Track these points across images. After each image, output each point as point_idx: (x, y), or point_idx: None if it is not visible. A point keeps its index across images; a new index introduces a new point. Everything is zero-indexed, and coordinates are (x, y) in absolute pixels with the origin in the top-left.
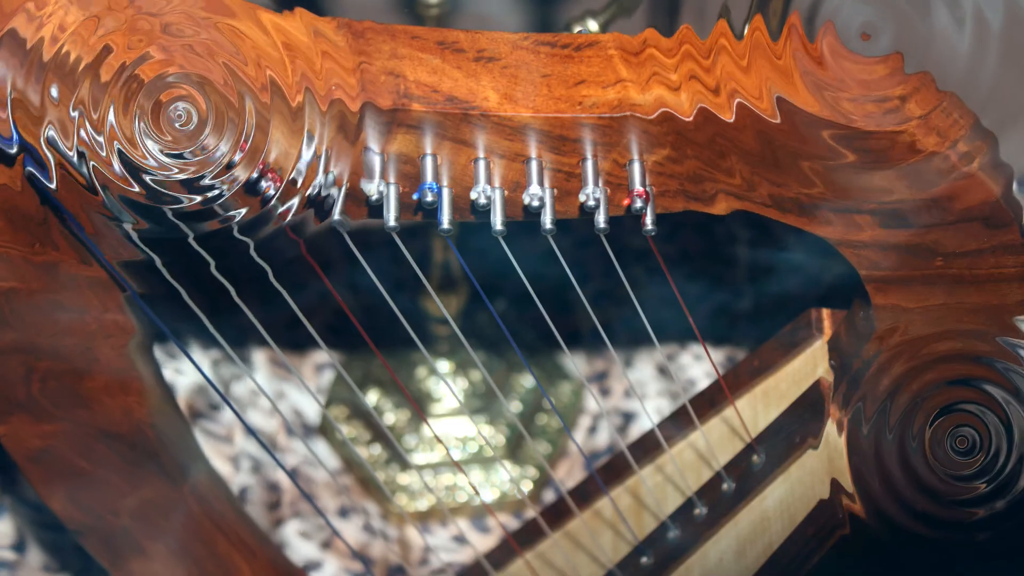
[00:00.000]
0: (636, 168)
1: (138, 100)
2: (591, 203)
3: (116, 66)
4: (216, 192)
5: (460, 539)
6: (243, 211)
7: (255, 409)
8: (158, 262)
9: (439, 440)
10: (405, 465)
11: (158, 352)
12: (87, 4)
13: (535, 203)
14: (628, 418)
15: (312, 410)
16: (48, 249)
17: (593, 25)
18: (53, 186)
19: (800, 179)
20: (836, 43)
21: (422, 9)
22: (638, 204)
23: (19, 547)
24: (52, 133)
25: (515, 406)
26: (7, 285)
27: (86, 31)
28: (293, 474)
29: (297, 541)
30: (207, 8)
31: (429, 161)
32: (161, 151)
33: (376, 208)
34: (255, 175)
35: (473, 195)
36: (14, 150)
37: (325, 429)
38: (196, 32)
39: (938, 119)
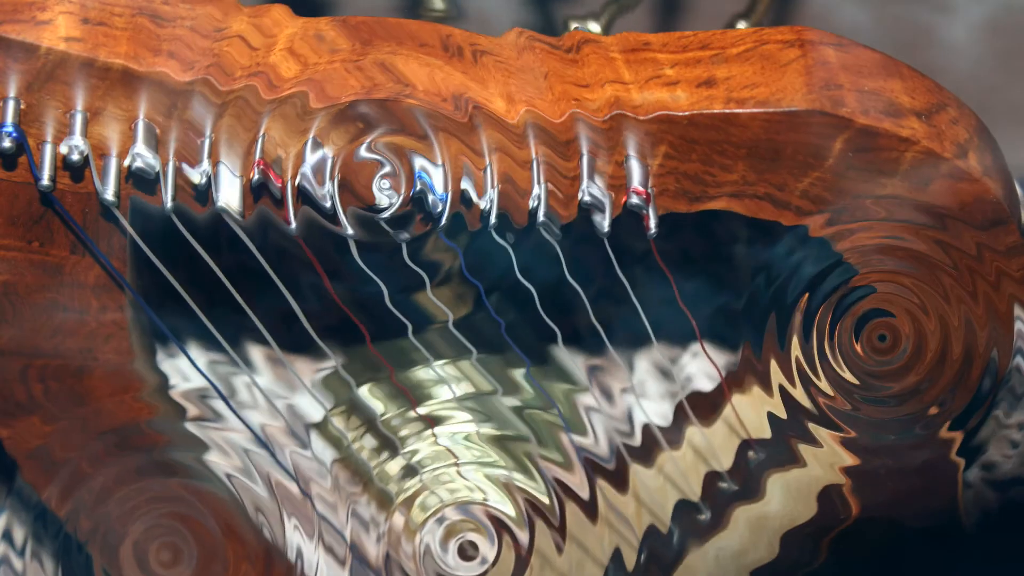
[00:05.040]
0: (635, 167)
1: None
2: (592, 203)
3: (118, 65)
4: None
5: (460, 539)
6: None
7: (255, 409)
8: (156, 259)
9: (438, 440)
10: (403, 464)
11: (158, 352)
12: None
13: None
14: (628, 418)
15: (312, 409)
16: (48, 248)
17: (594, 26)
18: (50, 184)
19: (801, 179)
20: (834, 40)
21: (426, 13)
22: (634, 200)
23: (17, 545)
24: (51, 131)
25: (514, 406)
26: (2, 279)
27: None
28: (293, 474)
29: (296, 540)
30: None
31: (435, 167)
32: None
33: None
34: (256, 176)
35: (483, 204)
36: (10, 146)
37: (324, 428)
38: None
39: (939, 119)
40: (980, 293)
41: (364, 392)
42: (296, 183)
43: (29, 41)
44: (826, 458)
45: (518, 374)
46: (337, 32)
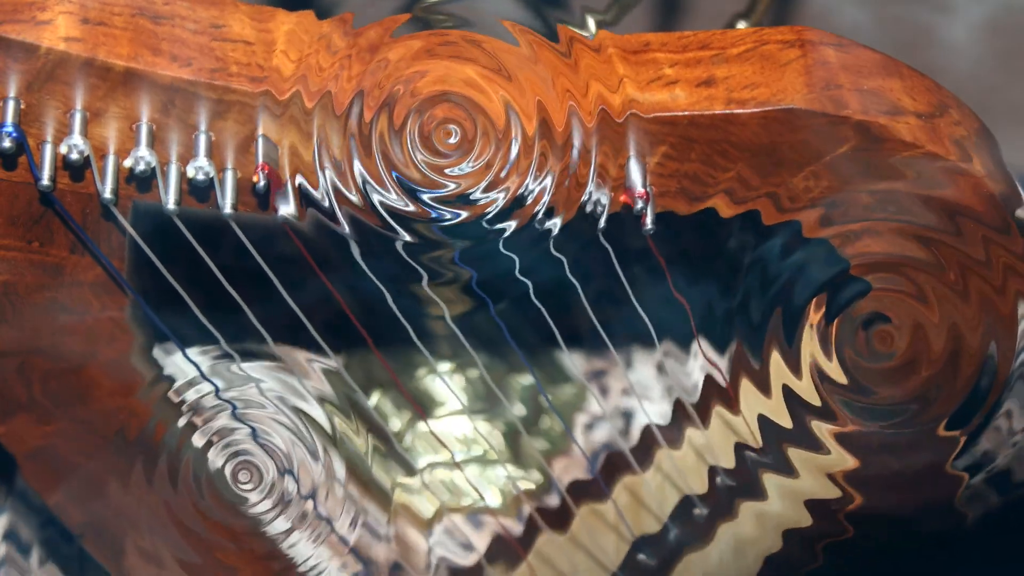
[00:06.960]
0: (636, 168)
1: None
2: (592, 203)
3: (118, 65)
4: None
5: (460, 539)
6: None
7: (255, 409)
8: (155, 259)
9: (440, 441)
10: (405, 466)
11: (158, 352)
12: None
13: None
14: (628, 418)
15: (312, 410)
16: (48, 248)
17: (594, 25)
18: (50, 184)
19: (802, 180)
20: (834, 40)
21: (423, 13)
22: (639, 205)
23: (16, 544)
24: (51, 131)
25: (516, 407)
26: (2, 279)
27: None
28: (293, 474)
29: (296, 542)
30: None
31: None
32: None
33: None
34: (262, 182)
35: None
36: (10, 146)
37: (326, 428)
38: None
39: (939, 120)
40: (973, 291)
41: (371, 398)
42: (328, 190)
43: (29, 41)
44: (826, 461)
45: (522, 380)
46: (339, 34)
